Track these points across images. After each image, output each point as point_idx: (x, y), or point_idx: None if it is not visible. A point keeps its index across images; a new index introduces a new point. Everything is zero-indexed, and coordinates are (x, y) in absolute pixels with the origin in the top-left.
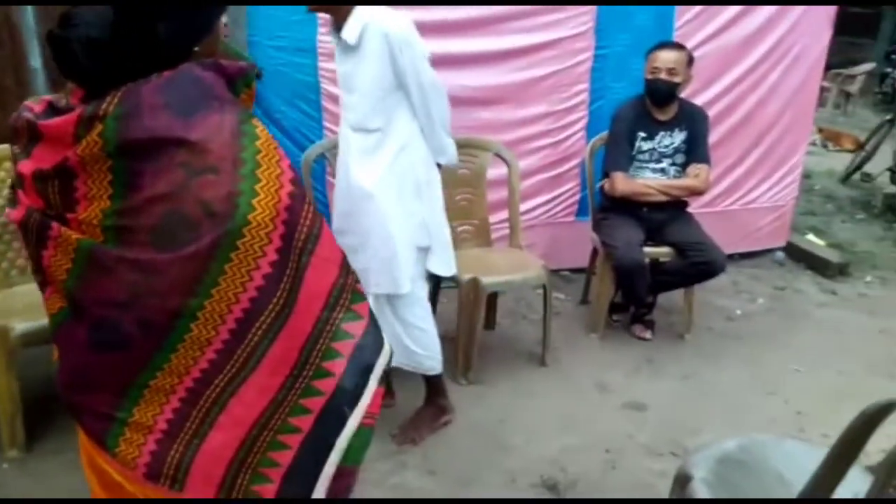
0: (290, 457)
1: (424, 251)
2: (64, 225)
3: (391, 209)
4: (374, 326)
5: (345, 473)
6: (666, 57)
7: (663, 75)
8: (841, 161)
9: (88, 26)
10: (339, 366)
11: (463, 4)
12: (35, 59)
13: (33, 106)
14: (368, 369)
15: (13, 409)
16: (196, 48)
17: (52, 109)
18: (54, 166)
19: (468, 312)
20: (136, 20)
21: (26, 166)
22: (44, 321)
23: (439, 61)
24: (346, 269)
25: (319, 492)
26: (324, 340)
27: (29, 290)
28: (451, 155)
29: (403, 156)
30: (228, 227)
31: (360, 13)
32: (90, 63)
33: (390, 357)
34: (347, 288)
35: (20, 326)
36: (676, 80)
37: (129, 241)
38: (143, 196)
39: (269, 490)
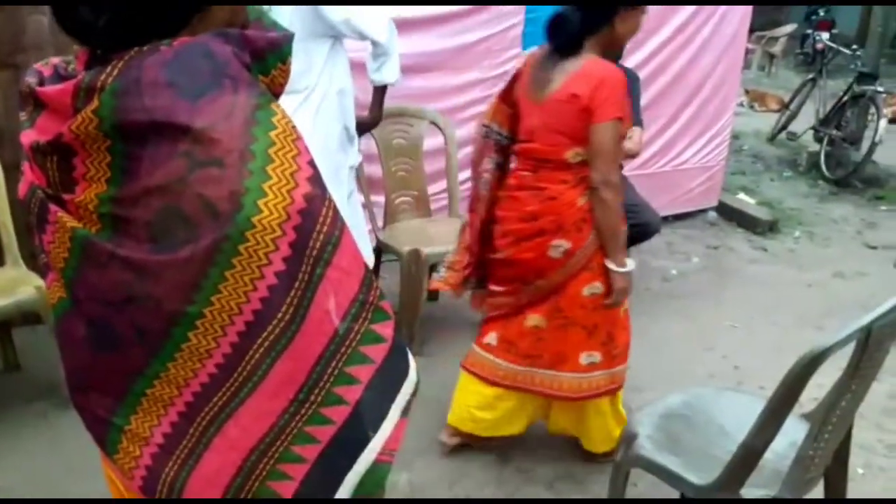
0: (293, 489)
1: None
2: (62, 207)
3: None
4: (398, 350)
5: None
6: None
7: None
8: (767, 121)
9: None
10: (354, 393)
11: None
12: None
13: (43, 69)
14: (389, 399)
15: None
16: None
17: (58, 75)
18: (50, 141)
19: (410, 284)
20: None
21: (27, 136)
22: None
23: None
24: (368, 283)
25: None
26: (337, 363)
27: None
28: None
29: (327, 106)
30: (229, 230)
31: None
32: (91, 15)
33: (416, 386)
34: (369, 305)
35: None
36: None
37: (124, 233)
38: (140, 185)
39: None
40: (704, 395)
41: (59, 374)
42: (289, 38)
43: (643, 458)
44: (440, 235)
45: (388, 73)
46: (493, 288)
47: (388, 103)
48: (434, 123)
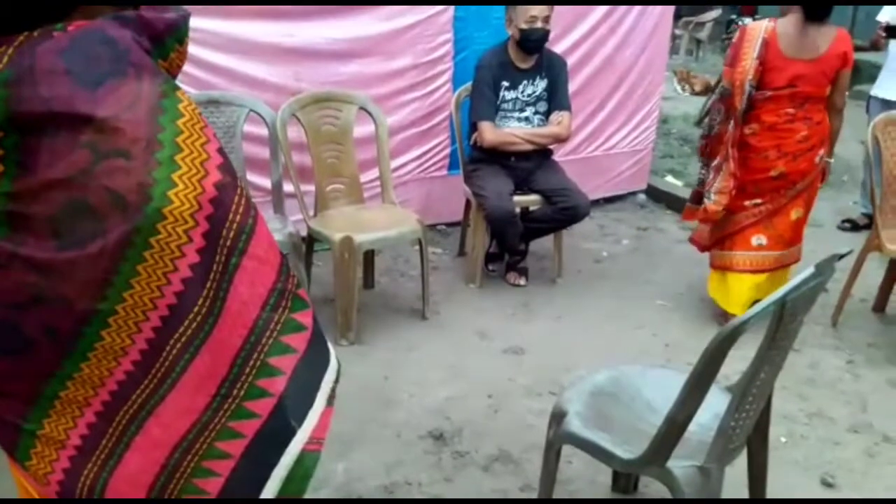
0: (219, 485)
1: None
2: None
3: None
4: (319, 338)
5: None
6: (542, 7)
7: (539, 24)
8: (695, 105)
9: None
10: (278, 384)
11: None
12: None
13: None
14: (314, 388)
15: None
16: None
17: None
18: None
19: (343, 272)
20: None
21: None
22: None
23: (297, 13)
24: (285, 271)
25: None
26: (258, 355)
27: None
28: None
29: None
30: (139, 223)
31: None
32: None
33: (338, 373)
34: (287, 294)
35: None
36: (548, 27)
37: (24, 231)
38: (39, 179)
39: None
40: (631, 371)
41: None
42: (186, 17)
43: (573, 434)
44: (373, 222)
45: None
46: (749, 202)
47: (318, 89)
48: (364, 109)
